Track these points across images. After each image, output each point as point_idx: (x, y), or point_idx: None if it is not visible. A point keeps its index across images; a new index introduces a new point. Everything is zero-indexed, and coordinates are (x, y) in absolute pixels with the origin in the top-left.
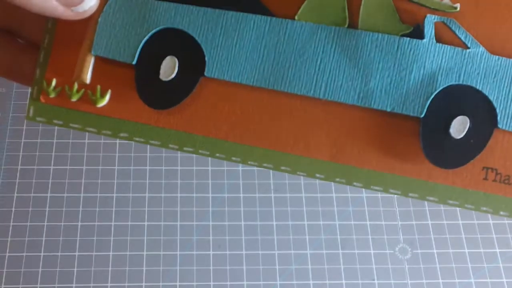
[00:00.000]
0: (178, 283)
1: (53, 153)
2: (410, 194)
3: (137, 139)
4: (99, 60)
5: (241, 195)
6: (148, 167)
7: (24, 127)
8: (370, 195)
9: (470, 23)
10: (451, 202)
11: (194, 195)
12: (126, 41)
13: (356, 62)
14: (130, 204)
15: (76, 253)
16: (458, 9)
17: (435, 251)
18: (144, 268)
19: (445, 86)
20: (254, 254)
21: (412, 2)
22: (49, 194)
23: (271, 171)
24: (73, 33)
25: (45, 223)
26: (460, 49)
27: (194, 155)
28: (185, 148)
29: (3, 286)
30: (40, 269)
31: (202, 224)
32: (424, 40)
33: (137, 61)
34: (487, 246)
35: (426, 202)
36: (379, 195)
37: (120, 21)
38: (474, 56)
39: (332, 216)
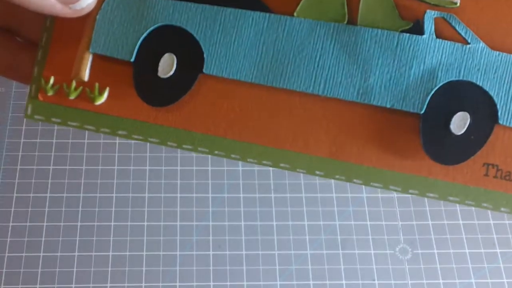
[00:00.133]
0: (178, 283)
1: (52, 153)
2: (410, 191)
3: (135, 136)
4: (97, 57)
5: (241, 195)
6: (148, 167)
7: (24, 127)
8: (370, 195)
9: (470, 19)
10: (451, 198)
11: (194, 195)
12: (124, 38)
13: (355, 58)
14: (130, 204)
15: (76, 253)
16: (458, 4)
17: (435, 251)
18: (144, 268)
19: (445, 82)
20: (254, 254)
21: None
22: (48, 194)
23: (271, 171)
24: (71, 31)
25: (45, 223)
26: (460, 44)
27: (194, 154)
28: (184, 146)
29: (2, 286)
30: (39, 270)
31: (202, 224)
32: (424, 36)
33: (135, 59)
34: (488, 246)
35: (426, 202)
36: (379, 195)
37: (118, 18)
38: (475, 51)
39: (332, 216)
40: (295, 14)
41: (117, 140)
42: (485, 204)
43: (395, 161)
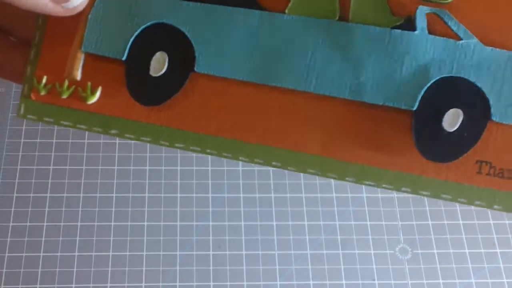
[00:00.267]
0: (178, 283)
1: (52, 153)
2: (403, 189)
3: (127, 135)
4: (89, 57)
5: (241, 195)
6: (148, 167)
7: (24, 127)
8: (370, 195)
9: (462, 14)
10: (444, 196)
11: (194, 195)
12: (116, 37)
13: (347, 55)
14: (130, 204)
15: (76, 253)
16: (451, 0)
17: (435, 251)
18: (144, 268)
19: (437, 78)
20: (254, 254)
21: None
22: (48, 194)
23: (271, 171)
24: (64, 30)
25: (45, 223)
26: (452, 40)
27: (194, 154)
28: (176, 144)
29: (2, 286)
30: (39, 270)
31: (202, 224)
32: (416, 32)
33: (127, 57)
34: (488, 246)
35: (426, 202)
36: (379, 195)
37: (110, 17)
38: (467, 47)
39: (332, 216)
40: (286, 11)
41: (117, 140)
42: (478, 202)
43: (387, 159)
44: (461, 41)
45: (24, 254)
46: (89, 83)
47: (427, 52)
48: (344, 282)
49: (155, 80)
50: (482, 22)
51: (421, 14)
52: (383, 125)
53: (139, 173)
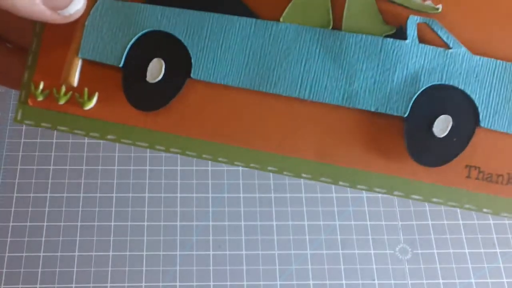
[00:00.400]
0: (178, 283)
1: (52, 153)
2: (395, 193)
3: (124, 141)
4: (86, 63)
5: (241, 195)
6: (148, 167)
7: (24, 127)
8: (370, 195)
9: (452, 24)
10: (435, 200)
11: (194, 195)
12: (113, 44)
13: (340, 63)
14: (130, 204)
15: (76, 253)
16: (440, 10)
17: (435, 251)
18: (144, 268)
19: (428, 86)
20: (254, 254)
21: (395, 4)
22: (48, 194)
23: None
24: (61, 36)
25: (45, 223)
26: (442, 49)
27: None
28: (172, 150)
29: (3, 286)
30: (39, 269)
31: (202, 224)
32: (407, 41)
33: (124, 64)
34: (488, 246)
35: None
36: (379, 195)
37: (107, 24)
38: (456, 56)
39: (332, 216)
40: (281, 19)
41: None
42: (467, 206)
43: (380, 164)
44: (450, 50)
45: (24, 254)
46: (86, 89)
47: (418, 60)
48: (344, 282)
49: (152, 86)
50: (471, 32)
51: (412, 23)
52: (376, 131)
53: (139, 173)
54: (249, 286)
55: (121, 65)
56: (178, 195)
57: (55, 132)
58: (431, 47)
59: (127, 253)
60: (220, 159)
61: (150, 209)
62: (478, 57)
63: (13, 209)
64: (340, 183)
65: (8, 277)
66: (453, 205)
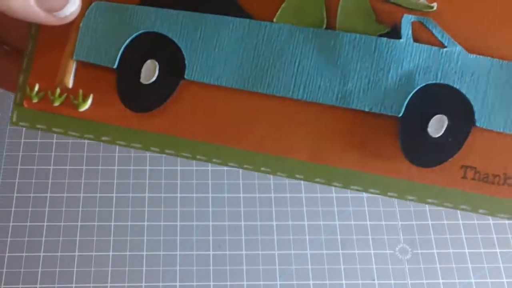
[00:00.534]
0: (178, 283)
1: (52, 153)
2: (390, 194)
3: (119, 142)
4: (81, 65)
5: (241, 195)
6: (148, 167)
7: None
8: (371, 195)
9: (447, 22)
10: (430, 200)
11: (194, 195)
12: (107, 45)
13: (334, 62)
14: (130, 204)
15: (76, 253)
16: (435, 8)
17: (435, 251)
18: (144, 268)
19: (422, 85)
20: (254, 254)
21: (389, 3)
22: (49, 194)
23: None
24: (56, 38)
25: (45, 223)
26: (437, 48)
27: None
28: (166, 151)
29: (3, 286)
30: (39, 269)
31: (202, 224)
32: (401, 40)
33: (118, 65)
34: (488, 246)
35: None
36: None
37: (101, 26)
38: (451, 55)
39: (332, 216)
40: (274, 19)
41: None
42: (463, 206)
43: (374, 164)
44: (445, 49)
45: (24, 254)
46: (80, 91)
47: (412, 59)
48: (344, 282)
49: (146, 87)
50: (466, 30)
51: (406, 22)
52: (370, 131)
53: (139, 173)
54: (249, 286)
55: (115, 66)
56: (178, 195)
57: None
58: (426, 46)
59: (127, 253)
60: (214, 160)
61: (150, 209)
62: (473, 55)
63: (13, 209)
64: (334, 184)
65: (8, 277)
66: (449, 206)
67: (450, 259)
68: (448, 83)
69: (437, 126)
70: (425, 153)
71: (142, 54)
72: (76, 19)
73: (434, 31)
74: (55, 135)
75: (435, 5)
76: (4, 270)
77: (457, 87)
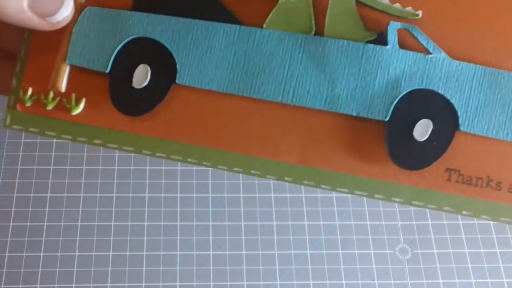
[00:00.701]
0: (178, 283)
1: (53, 153)
2: (376, 196)
3: (110, 145)
4: (74, 69)
5: (241, 195)
6: (148, 167)
7: None
8: None
9: (432, 30)
10: (415, 203)
11: (194, 195)
12: (100, 50)
13: (322, 68)
14: (130, 204)
15: (76, 253)
16: (420, 16)
17: (435, 251)
18: (144, 268)
19: (408, 90)
20: (254, 254)
21: (376, 10)
22: (49, 194)
23: None
24: (49, 43)
25: (45, 223)
26: (422, 54)
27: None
28: (157, 154)
29: (3, 286)
30: (40, 269)
31: (202, 224)
32: (388, 46)
33: (110, 70)
34: (487, 246)
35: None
36: None
37: (94, 31)
38: (436, 61)
39: (332, 216)
40: (264, 25)
41: None
42: (447, 208)
43: (361, 167)
44: (430, 55)
45: (24, 254)
46: (73, 95)
47: (398, 65)
48: (344, 282)
49: (138, 91)
50: (450, 37)
51: (392, 29)
52: (357, 135)
53: (139, 173)
54: (249, 286)
55: (107, 71)
56: (178, 195)
57: None
58: (412, 52)
59: (127, 253)
60: (204, 162)
61: (150, 209)
62: (457, 62)
63: (13, 209)
64: (322, 186)
65: (8, 277)
66: (433, 208)
67: (450, 259)
68: (433, 88)
69: (423, 130)
70: (411, 157)
71: (134, 59)
72: (69, 24)
73: (419, 38)
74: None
75: (420, 12)
76: (4, 270)
77: (442, 93)
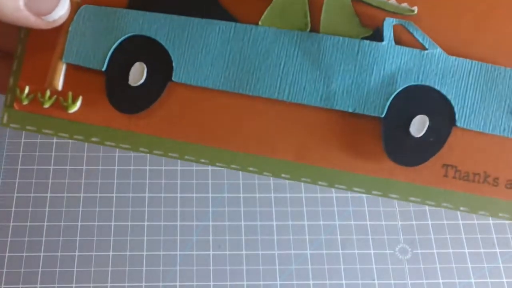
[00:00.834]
0: (178, 283)
1: (53, 153)
2: (373, 192)
3: (108, 143)
4: (70, 67)
5: (241, 195)
6: (148, 167)
7: None
8: (370, 195)
9: (427, 25)
10: (412, 199)
11: (194, 195)
12: (96, 48)
13: (318, 65)
14: (130, 204)
15: (76, 253)
16: (416, 12)
17: (435, 251)
18: (144, 268)
19: (404, 86)
20: (254, 254)
21: (372, 6)
22: (49, 194)
23: None
24: (45, 42)
25: (45, 223)
26: (418, 50)
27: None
28: (155, 152)
29: (3, 286)
30: (40, 269)
31: (202, 224)
32: (384, 42)
33: (106, 68)
34: (487, 246)
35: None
36: None
37: (90, 29)
38: (432, 57)
39: (332, 216)
40: (260, 23)
41: None
42: (444, 204)
43: (358, 164)
44: (426, 51)
45: (24, 254)
46: (70, 93)
47: (394, 61)
48: (344, 282)
49: (134, 89)
50: (446, 33)
51: (388, 25)
52: (354, 132)
53: (139, 173)
54: (249, 286)
55: (104, 69)
56: (178, 195)
57: None
58: (407, 48)
59: (127, 253)
60: (201, 160)
61: (150, 209)
62: (453, 57)
63: (13, 209)
64: (319, 183)
65: (8, 277)
66: (430, 204)
67: (450, 259)
68: (429, 84)
69: (419, 126)
70: (407, 153)
71: (130, 56)
72: (65, 22)
73: (415, 34)
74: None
75: (416, 8)
76: (4, 270)
77: (438, 88)
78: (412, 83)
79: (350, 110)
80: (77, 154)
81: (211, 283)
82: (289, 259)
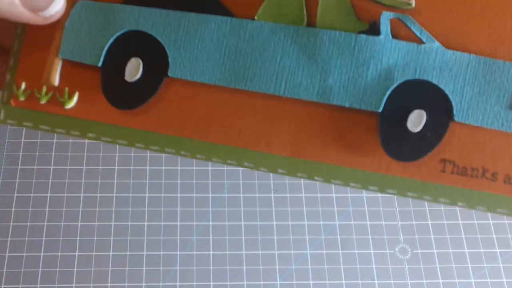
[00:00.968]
0: (178, 283)
1: (53, 153)
2: (370, 187)
3: (104, 139)
4: (66, 63)
5: (241, 195)
6: (148, 167)
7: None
8: (370, 195)
9: (425, 19)
10: (410, 194)
11: (194, 195)
12: (92, 44)
13: (314, 59)
14: (130, 204)
15: (76, 253)
16: (413, 5)
17: (435, 251)
18: (144, 268)
19: (401, 81)
20: (254, 254)
21: (368, 0)
22: (49, 194)
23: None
24: (41, 37)
25: (45, 223)
26: (415, 44)
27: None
28: (151, 147)
29: (3, 286)
30: (40, 269)
31: (202, 224)
32: (381, 37)
33: (102, 63)
34: (487, 246)
35: (426, 202)
36: (379, 195)
37: (86, 25)
38: (430, 51)
39: (332, 216)
40: (256, 17)
41: None
42: (442, 199)
43: (354, 159)
44: (423, 45)
45: (24, 254)
46: (66, 89)
47: (391, 56)
48: (344, 282)
49: (130, 85)
50: (444, 27)
51: (385, 19)
52: (350, 126)
53: (139, 173)
54: (249, 286)
55: (100, 64)
56: (178, 195)
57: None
58: (405, 42)
59: (127, 253)
60: (198, 155)
61: (150, 209)
62: (451, 51)
63: (13, 209)
64: (316, 178)
65: (8, 277)
66: (428, 200)
67: (450, 259)
68: (426, 78)
69: (416, 121)
70: (405, 148)
71: (126, 52)
72: (61, 18)
73: (412, 28)
74: (55, 135)
75: (413, 2)
76: (4, 270)
77: (436, 83)
78: (410, 78)
79: (346, 105)
80: (77, 154)
81: (211, 283)
82: (289, 259)
